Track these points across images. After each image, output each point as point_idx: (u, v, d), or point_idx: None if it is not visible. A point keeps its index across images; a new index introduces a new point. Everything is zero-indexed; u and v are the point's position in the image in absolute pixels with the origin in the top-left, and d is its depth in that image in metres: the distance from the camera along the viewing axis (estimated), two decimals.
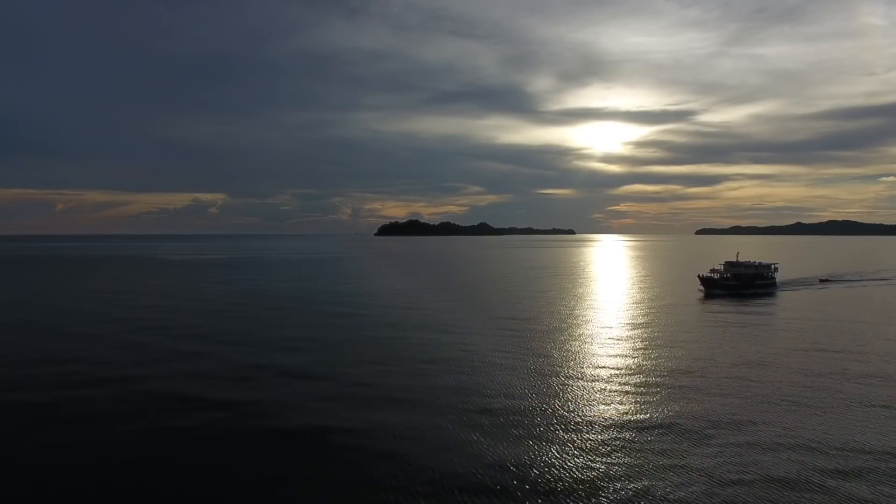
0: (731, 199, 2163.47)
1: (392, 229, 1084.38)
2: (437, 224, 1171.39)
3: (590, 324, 77.18)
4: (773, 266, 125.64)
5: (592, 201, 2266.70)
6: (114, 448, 33.24)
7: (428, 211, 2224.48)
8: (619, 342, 63.93)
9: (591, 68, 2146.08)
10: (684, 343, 62.87)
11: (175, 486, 28.77)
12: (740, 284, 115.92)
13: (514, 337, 66.41)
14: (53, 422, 37.87)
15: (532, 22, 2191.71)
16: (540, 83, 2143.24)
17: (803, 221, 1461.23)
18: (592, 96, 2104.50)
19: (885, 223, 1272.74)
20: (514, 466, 30.30)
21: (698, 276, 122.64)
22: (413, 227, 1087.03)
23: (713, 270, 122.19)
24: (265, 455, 32.07)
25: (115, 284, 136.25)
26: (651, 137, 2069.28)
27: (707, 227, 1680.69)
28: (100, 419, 38.19)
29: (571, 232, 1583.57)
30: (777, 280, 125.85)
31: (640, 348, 60.31)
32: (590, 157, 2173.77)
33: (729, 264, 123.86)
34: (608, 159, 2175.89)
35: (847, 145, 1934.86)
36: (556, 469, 30.05)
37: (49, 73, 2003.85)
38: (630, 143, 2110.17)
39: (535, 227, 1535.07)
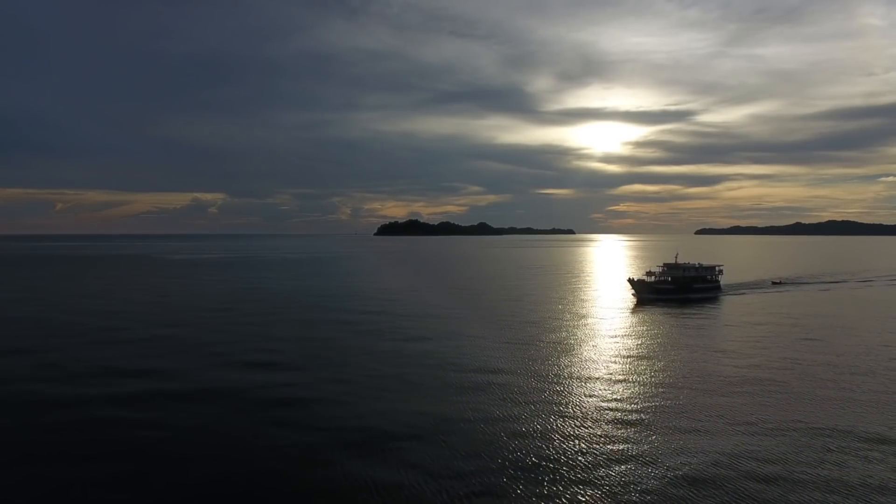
0: (730, 199, 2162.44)
1: (391, 229, 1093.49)
2: (436, 224, 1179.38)
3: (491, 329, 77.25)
4: (716, 268, 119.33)
5: (592, 201, 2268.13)
6: (115, 447, 35.96)
7: (427, 211, 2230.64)
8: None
9: (591, 68, 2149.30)
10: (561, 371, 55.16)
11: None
12: (677, 288, 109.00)
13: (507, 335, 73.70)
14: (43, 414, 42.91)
15: (532, 22, 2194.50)
16: (540, 83, 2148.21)
17: (803, 221, 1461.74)
18: (592, 96, 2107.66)
19: (884, 223, 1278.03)
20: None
21: (628, 280, 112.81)
22: (412, 227, 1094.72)
23: (649, 273, 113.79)
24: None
25: (115, 283, 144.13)
26: (651, 137, 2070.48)
27: (706, 227, 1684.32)
28: (96, 416, 42.21)
29: (571, 232, 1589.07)
30: (722, 283, 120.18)
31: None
32: (589, 157, 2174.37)
33: (667, 266, 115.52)
34: (608, 159, 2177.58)
35: (846, 145, 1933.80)
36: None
37: (49, 73, 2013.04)
38: (630, 143, 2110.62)
39: (535, 227, 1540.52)
